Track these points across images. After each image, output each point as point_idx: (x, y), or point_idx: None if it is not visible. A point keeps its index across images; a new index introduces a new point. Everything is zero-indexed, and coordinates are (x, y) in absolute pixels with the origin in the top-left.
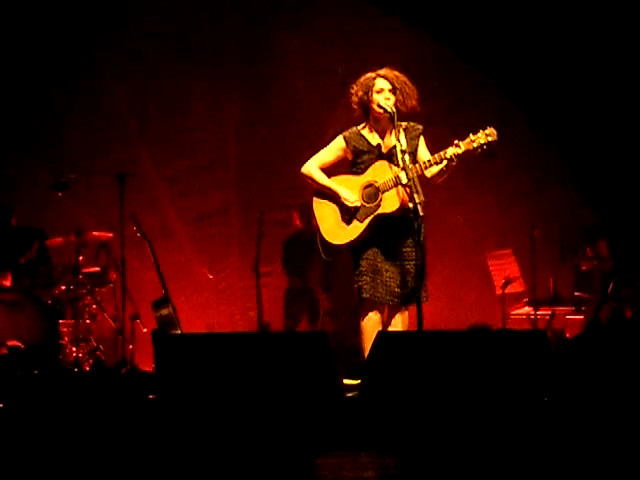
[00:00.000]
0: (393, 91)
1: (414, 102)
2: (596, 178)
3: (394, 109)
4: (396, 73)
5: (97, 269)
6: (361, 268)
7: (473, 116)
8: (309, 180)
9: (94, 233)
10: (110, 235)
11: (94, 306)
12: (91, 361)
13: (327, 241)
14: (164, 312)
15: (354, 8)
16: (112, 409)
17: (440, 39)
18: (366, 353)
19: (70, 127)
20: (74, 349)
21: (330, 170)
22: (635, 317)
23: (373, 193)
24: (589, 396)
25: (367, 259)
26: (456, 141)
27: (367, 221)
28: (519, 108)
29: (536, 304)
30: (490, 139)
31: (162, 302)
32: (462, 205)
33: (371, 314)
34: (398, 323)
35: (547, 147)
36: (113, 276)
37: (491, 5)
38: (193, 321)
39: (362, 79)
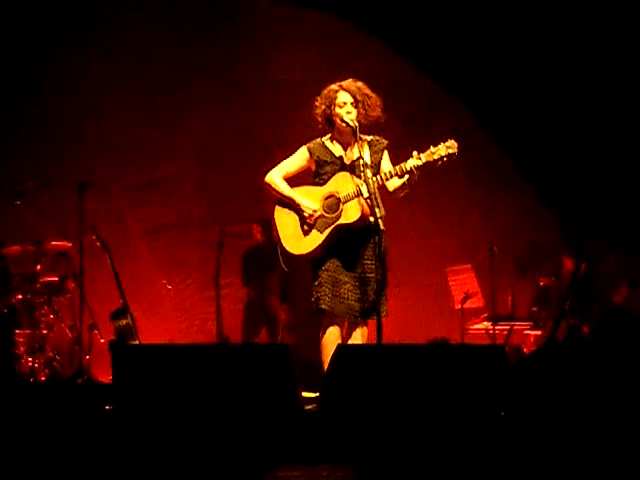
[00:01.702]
0: (355, 104)
1: (378, 113)
2: (556, 194)
3: (356, 123)
4: (359, 85)
5: (55, 279)
6: (320, 279)
7: (434, 130)
8: (271, 189)
9: (53, 242)
10: (69, 245)
11: (51, 316)
12: (47, 371)
13: (288, 251)
14: (122, 323)
15: (315, 20)
16: (68, 420)
17: (403, 53)
18: (325, 366)
19: (30, 136)
20: (30, 359)
21: (292, 181)
22: (592, 334)
23: (334, 204)
24: (545, 411)
25: (326, 270)
26: (416, 153)
27: (327, 232)
28: (480, 123)
29: (494, 319)
30: (450, 151)
31: (121, 312)
32: (423, 220)
33: (331, 327)
34: (357, 337)
35: (508, 163)
36: (71, 286)
37: (451, 19)
38: (152, 332)
39: (325, 92)
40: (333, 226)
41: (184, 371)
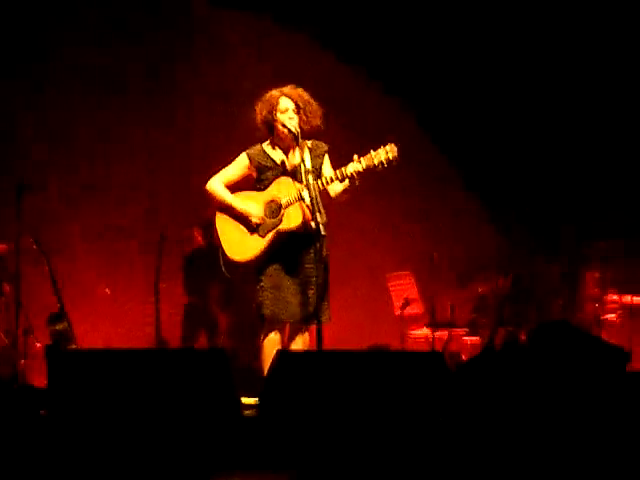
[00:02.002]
0: (297, 110)
1: (318, 121)
2: (499, 203)
3: (298, 129)
4: (300, 92)
5: None
6: (262, 284)
7: (376, 135)
8: (212, 197)
9: None
10: (5, 247)
11: None
12: None
13: (229, 258)
14: (59, 327)
15: (255, 25)
16: (1, 424)
17: (343, 56)
18: (265, 371)
19: None
20: None
21: (234, 187)
22: (529, 340)
23: (275, 209)
24: (482, 417)
25: (269, 275)
26: (356, 157)
27: (269, 237)
28: (424, 130)
29: (434, 326)
30: (390, 156)
31: (57, 317)
32: (364, 225)
33: (271, 333)
34: (298, 343)
35: (450, 170)
36: (7, 289)
37: (394, 21)
38: (89, 336)
39: (266, 97)
40: (274, 231)
41: (121, 376)
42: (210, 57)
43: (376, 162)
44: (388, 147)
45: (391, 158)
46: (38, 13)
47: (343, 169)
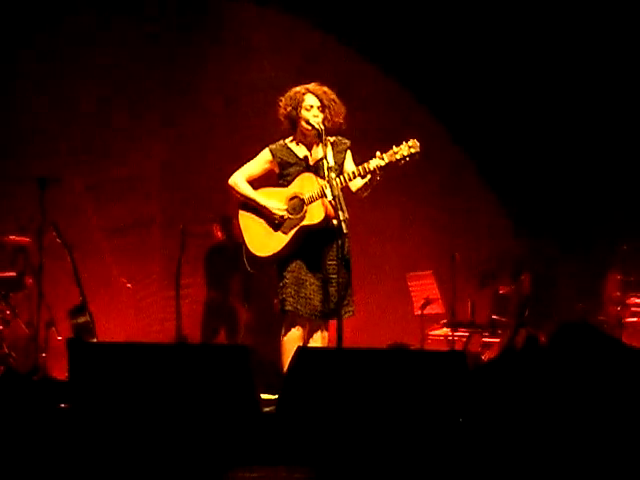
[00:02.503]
0: (322, 108)
1: (341, 119)
2: (520, 204)
3: (322, 127)
4: (325, 89)
5: (13, 274)
6: (285, 280)
7: (399, 133)
8: (235, 192)
9: (11, 237)
10: (28, 240)
11: (8, 312)
12: (2, 368)
13: (252, 253)
14: (81, 320)
15: (278, 24)
16: (22, 417)
17: (369, 56)
18: (285, 368)
19: None
20: None
21: (257, 183)
22: (549, 342)
23: (298, 205)
24: (502, 418)
25: (291, 272)
26: (379, 153)
27: (292, 233)
28: (444, 126)
29: (454, 326)
30: (413, 151)
31: (79, 310)
32: (385, 224)
33: (293, 329)
34: (318, 339)
35: (472, 171)
36: (29, 282)
37: (415, 21)
38: (110, 330)
39: (291, 93)
40: (297, 227)
41: (141, 370)
42: (234, 53)
43: (399, 157)
44: (410, 142)
45: (413, 152)
46: (66, 13)
47: (366, 165)
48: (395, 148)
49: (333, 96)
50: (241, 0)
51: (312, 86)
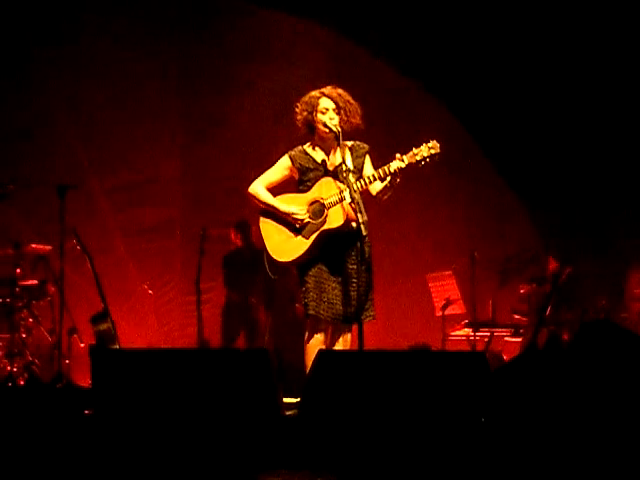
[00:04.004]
0: (337, 110)
1: (358, 120)
2: (540, 202)
3: (339, 128)
4: (340, 91)
5: (35, 282)
6: (307, 285)
7: (418, 135)
8: (256, 200)
9: (33, 245)
10: (49, 248)
11: (30, 320)
12: (26, 375)
13: (274, 259)
14: (103, 327)
15: (300, 29)
16: (46, 424)
17: (386, 57)
18: (308, 371)
19: (10, 137)
20: (9, 363)
21: (277, 189)
22: (572, 340)
23: (319, 209)
24: (525, 418)
25: (313, 276)
26: (399, 155)
27: (313, 237)
28: (465, 129)
29: (475, 326)
30: (433, 152)
31: (101, 317)
32: (404, 225)
33: (316, 333)
34: (340, 343)
35: (491, 169)
36: (51, 289)
37: (431, 21)
38: (132, 336)
39: (306, 98)
40: (318, 232)
41: (164, 376)
42: (256, 58)
43: (419, 158)
44: (430, 143)
45: (433, 153)
46: (82, 20)
47: (386, 167)
48: (415, 150)
49: (348, 97)
50: (264, 5)
51: (327, 89)
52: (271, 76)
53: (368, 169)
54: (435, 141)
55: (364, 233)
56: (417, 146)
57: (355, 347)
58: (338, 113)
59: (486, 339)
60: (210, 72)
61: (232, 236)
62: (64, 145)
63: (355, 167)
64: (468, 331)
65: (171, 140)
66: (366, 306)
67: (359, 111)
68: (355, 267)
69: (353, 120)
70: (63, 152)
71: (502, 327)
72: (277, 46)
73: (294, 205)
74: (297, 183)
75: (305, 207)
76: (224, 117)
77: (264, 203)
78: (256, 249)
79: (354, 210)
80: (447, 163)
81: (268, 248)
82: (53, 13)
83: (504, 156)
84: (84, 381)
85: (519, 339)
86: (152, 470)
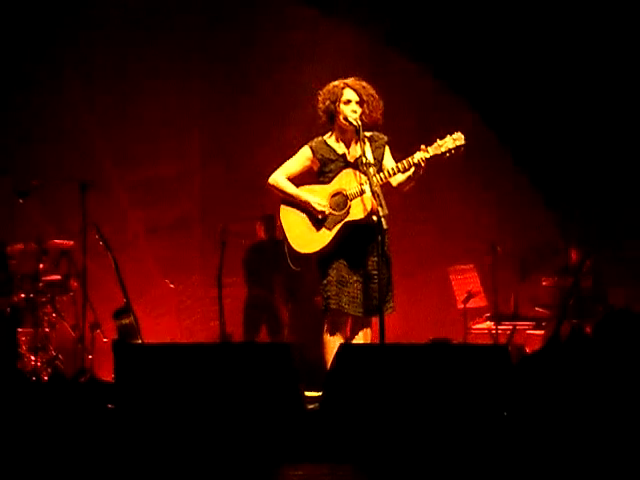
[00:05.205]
0: (360, 103)
1: (379, 115)
2: (560, 194)
3: (359, 122)
4: (363, 84)
5: (58, 277)
6: (329, 278)
7: (438, 130)
8: (276, 190)
9: (55, 241)
10: (71, 243)
11: (54, 315)
12: (49, 370)
13: (295, 250)
14: (125, 322)
15: (316, 22)
16: (70, 419)
17: (408, 52)
18: (328, 365)
19: (33, 135)
20: (32, 358)
21: (296, 181)
22: (594, 333)
23: (341, 201)
24: (548, 411)
25: (334, 270)
26: (423, 146)
27: (336, 229)
28: (485, 123)
29: (497, 319)
30: (458, 143)
31: (123, 312)
32: (426, 218)
33: (335, 326)
34: (361, 336)
35: (511, 162)
36: (74, 285)
37: (455, 18)
38: (154, 331)
39: (330, 87)
40: (342, 223)
41: (186, 370)
42: (277, 53)
43: (444, 149)
44: (455, 135)
45: (459, 145)
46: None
47: (410, 158)
48: (440, 141)
49: (372, 91)
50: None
51: (351, 81)
52: (293, 74)
53: (388, 159)
54: (459, 133)
55: (385, 227)
56: (442, 137)
57: (376, 340)
58: (361, 106)
59: (508, 332)
60: (231, 70)
61: (257, 228)
62: (86, 143)
63: (375, 158)
64: (490, 324)
65: (190, 135)
66: (386, 299)
67: (381, 106)
68: (375, 260)
69: (374, 114)
70: (85, 149)
71: (524, 320)
72: (300, 42)
73: (316, 196)
74: (317, 174)
75: (327, 198)
76: (245, 112)
77: (285, 193)
78: (279, 242)
79: (375, 203)
80: (468, 155)
81: (289, 239)
82: (76, 8)
83: (525, 148)
84: (107, 376)
85: (541, 332)
86: (175, 464)
